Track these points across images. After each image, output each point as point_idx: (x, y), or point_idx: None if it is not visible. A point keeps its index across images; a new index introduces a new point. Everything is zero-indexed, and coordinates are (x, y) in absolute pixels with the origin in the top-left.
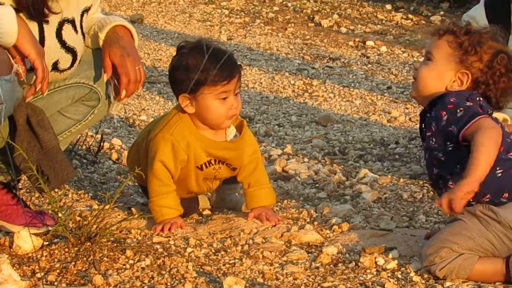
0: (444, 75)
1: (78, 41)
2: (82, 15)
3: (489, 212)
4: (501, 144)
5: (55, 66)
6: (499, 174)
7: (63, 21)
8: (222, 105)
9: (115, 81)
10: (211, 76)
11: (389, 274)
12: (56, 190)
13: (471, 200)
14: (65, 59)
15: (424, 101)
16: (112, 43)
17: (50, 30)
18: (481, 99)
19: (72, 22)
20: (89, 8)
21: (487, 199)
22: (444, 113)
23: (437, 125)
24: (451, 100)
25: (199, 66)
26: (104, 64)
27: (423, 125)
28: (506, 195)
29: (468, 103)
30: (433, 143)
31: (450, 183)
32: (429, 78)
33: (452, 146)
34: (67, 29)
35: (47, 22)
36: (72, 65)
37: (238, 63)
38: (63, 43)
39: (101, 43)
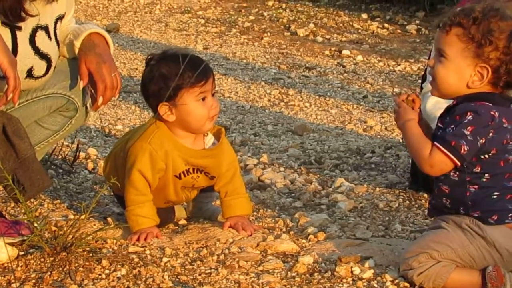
0: (462, 72)
1: (52, 48)
2: (56, 23)
3: (475, 227)
4: (508, 169)
5: (29, 73)
6: (495, 197)
7: (37, 28)
8: (203, 106)
9: (92, 90)
10: (188, 78)
11: (365, 284)
12: (32, 200)
13: (461, 210)
14: (39, 66)
15: (447, 97)
16: (88, 50)
17: (23, 37)
18: (499, 130)
19: (45, 28)
20: (63, 16)
21: (476, 215)
22: (448, 118)
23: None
24: (467, 112)
25: (175, 72)
26: (80, 72)
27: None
28: (495, 217)
29: (465, 131)
30: None
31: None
32: (449, 78)
33: None
34: (40, 36)
35: (20, 28)
36: (47, 72)
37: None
38: (36, 50)
39: (76, 51)
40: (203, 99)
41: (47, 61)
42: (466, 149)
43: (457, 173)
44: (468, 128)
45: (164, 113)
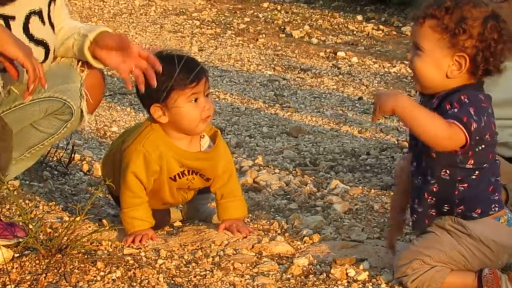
0: (440, 63)
1: (47, 33)
2: (49, 5)
3: (458, 226)
4: (492, 165)
5: None
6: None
7: (30, 14)
8: (195, 108)
9: (87, 93)
10: (180, 79)
11: (360, 286)
12: (27, 201)
13: (445, 207)
14: (37, 53)
15: (430, 92)
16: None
17: (17, 26)
18: (489, 114)
19: (39, 13)
20: None
21: (460, 210)
22: (448, 107)
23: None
24: (461, 97)
25: (166, 74)
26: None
27: None
28: (479, 210)
29: (469, 109)
30: None
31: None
32: (427, 70)
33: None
34: (33, 22)
35: (13, 18)
36: (46, 57)
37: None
38: (31, 37)
39: (87, 44)
40: (196, 100)
41: (44, 46)
42: (474, 126)
43: (448, 171)
44: (471, 108)
45: (156, 115)
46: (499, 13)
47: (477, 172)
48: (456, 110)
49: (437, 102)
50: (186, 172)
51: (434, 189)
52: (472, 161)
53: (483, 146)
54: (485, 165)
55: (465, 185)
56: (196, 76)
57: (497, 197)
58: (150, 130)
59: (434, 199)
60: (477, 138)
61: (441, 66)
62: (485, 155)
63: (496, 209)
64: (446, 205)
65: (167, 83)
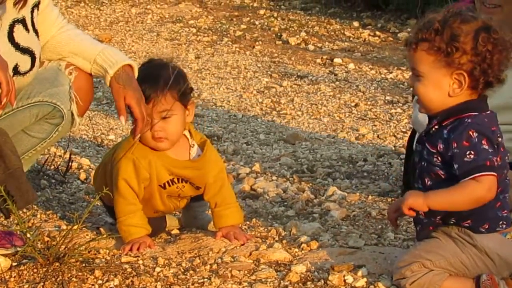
0: (441, 84)
1: (32, 40)
2: (32, 12)
3: (464, 236)
4: (498, 185)
5: (16, 71)
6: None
7: (14, 22)
8: None
9: (77, 96)
10: None
11: None
12: (25, 210)
13: (451, 220)
14: (23, 62)
15: (436, 112)
16: (127, 85)
17: (1, 35)
18: (499, 137)
19: (22, 21)
20: (39, 2)
21: (467, 224)
22: (455, 145)
23: (445, 149)
24: (470, 133)
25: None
26: (119, 106)
27: (426, 131)
28: (486, 226)
29: (483, 146)
30: (437, 160)
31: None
32: (430, 94)
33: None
34: (18, 30)
35: None
36: (32, 65)
37: (187, 85)
38: (16, 46)
39: (108, 79)
40: None
41: (30, 55)
42: (496, 159)
43: None
44: (483, 143)
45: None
46: (490, 23)
47: None
48: (473, 156)
49: (436, 122)
50: (175, 180)
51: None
52: None
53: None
54: None
55: None
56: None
57: (505, 214)
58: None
59: (441, 214)
60: None
61: (442, 87)
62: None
63: (504, 226)
64: (453, 218)
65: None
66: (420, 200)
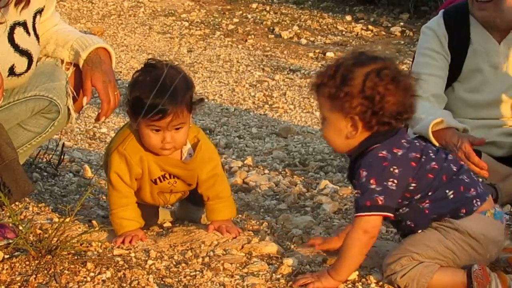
0: (339, 128)
1: (32, 44)
2: (34, 17)
3: (445, 223)
4: (441, 172)
5: (11, 71)
6: (451, 196)
7: (15, 25)
8: (156, 136)
9: (74, 92)
10: (149, 105)
11: (350, 285)
12: (17, 203)
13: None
14: (20, 63)
15: (344, 152)
16: (95, 66)
17: (1, 35)
18: (394, 170)
19: (23, 24)
20: (42, 9)
21: (446, 218)
22: (358, 176)
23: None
24: (359, 172)
25: (144, 95)
26: (84, 87)
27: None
28: (464, 210)
29: (370, 184)
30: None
31: (409, 222)
32: (331, 136)
33: None
34: (19, 33)
35: None
36: (28, 67)
37: (195, 97)
38: (16, 47)
39: (81, 62)
40: (157, 130)
41: (27, 57)
42: (381, 199)
43: (404, 206)
44: (371, 182)
45: (133, 125)
46: (388, 65)
47: (428, 191)
48: (359, 194)
49: (351, 161)
50: (167, 176)
51: (412, 224)
52: (427, 201)
53: (414, 185)
54: (431, 192)
55: (427, 201)
56: (161, 111)
57: (474, 192)
58: (132, 134)
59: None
60: (404, 193)
61: (341, 130)
62: (425, 186)
63: (479, 203)
64: (431, 222)
65: (135, 107)
66: (331, 281)
